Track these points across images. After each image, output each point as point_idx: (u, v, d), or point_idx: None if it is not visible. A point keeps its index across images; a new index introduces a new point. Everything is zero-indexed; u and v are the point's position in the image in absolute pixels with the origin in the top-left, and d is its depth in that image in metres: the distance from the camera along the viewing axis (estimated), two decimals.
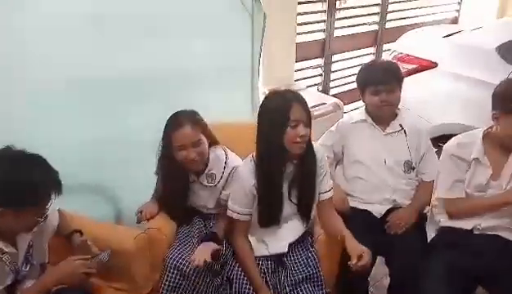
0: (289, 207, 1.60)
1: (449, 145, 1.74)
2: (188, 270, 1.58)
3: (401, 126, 1.88)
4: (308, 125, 1.51)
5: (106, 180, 2.05)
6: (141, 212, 1.76)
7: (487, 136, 1.67)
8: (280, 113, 1.49)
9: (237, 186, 1.62)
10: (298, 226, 1.66)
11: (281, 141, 1.49)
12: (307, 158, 1.56)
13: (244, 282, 1.57)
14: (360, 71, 1.98)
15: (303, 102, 1.51)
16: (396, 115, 1.89)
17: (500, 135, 1.63)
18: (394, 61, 2.63)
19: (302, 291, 1.55)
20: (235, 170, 1.69)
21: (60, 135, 1.84)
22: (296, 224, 1.65)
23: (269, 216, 1.60)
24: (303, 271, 1.59)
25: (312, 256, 1.63)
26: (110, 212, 2.12)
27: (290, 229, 1.65)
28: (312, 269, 1.59)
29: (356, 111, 2.08)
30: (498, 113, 1.60)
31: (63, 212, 1.59)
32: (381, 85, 1.81)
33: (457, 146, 1.71)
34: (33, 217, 1.32)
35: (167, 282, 1.59)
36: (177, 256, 1.62)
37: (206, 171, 1.73)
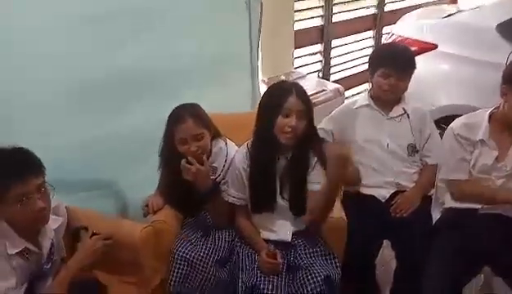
0: (281, 203, 1.60)
1: (455, 125, 1.73)
2: (196, 261, 1.59)
3: (404, 109, 1.87)
4: (303, 118, 1.50)
5: (111, 175, 2.06)
6: (147, 206, 1.77)
7: (493, 117, 1.66)
8: (275, 100, 1.51)
9: (231, 171, 1.66)
10: (298, 218, 1.64)
11: (272, 129, 1.50)
12: (300, 153, 1.56)
13: (250, 262, 1.58)
14: (376, 50, 1.97)
15: (301, 95, 1.52)
16: (400, 100, 1.89)
17: (507, 114, 1.61)
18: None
19: (315, 263, 1.54)
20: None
21: (62, 132, 1.85)
22: (295, 216, 1.64)
23: (259, 203, 1.61)
24: (313, 250, 1.60)
25: (318, 239, 1.64)
26: (115, 207, 2.13)
27: (292, 221, 1.64)
28: (320, 248, 1.60)
29: (359, 96, 2.07)
30: (507, 88, 1.58)
31: (69, 208, 1.61)
32: (393, 68, 1.80)
33: (463, 126, 1.71)
34: (27, 196, 1.29)
35: (175, 274, 1.60)
36: (184, 247, 1.63)
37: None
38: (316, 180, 1.57)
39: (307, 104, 1.52)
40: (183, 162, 1.60)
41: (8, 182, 1.26)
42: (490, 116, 1.67)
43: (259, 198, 1.61)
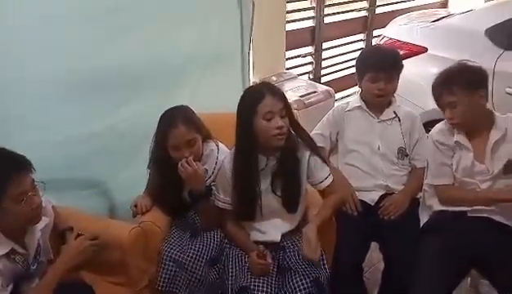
0: (274, 201, 1.60)
1: (433, 131, 1.76)
2: (185, 261, 1.59)
3: (395, 113, 1.88)
4: (286, 116, 1.50)
5: (99, 174, 2.04)
6: (135, 206, 1.76)
7: None
8: (249, 106, 1.50)
9: (220, 175, 1.65)
10: (289, 217, 1.65)
11: (252, 135, 1.49)
12: (289, 149, 1.55)
13: (240, 263, 1.58)
14: (361, 54, 1.96)
15: (277, 93, 1.50)
16: (390, 102, 1.90)
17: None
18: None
19: (304, 265, 1.54)
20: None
21: (50, 131, 1.82)
22: (287, 215, 1.64)
23: (242, 211, 1.61)
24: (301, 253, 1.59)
25: None
26: (103, 207, 2.11)
27: (282, 221, 1.65)
28: None
29: (351, 98, 2.08)
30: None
31: (56, 209, 1.59)
32: (381, 72, 1.80)
33: (439, 132, 1.73)
34: (24, 192, 1.29)
35: (163, 275, 1.59)
36: (172, 248, 1.63)
37: None
38: (313, 172, 1.62)
39: (283, 100, 1.51)
40: (183, 161, 1.58)
41: (5, 183, 1.25)
42: None
43: (242, 207, 1.60)
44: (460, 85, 1.62)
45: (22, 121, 1.75)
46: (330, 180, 1.67)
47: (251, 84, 2.64)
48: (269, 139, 1.49)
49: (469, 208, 1.66)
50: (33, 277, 1.42)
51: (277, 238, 1.62)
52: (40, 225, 1.44)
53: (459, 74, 1.66)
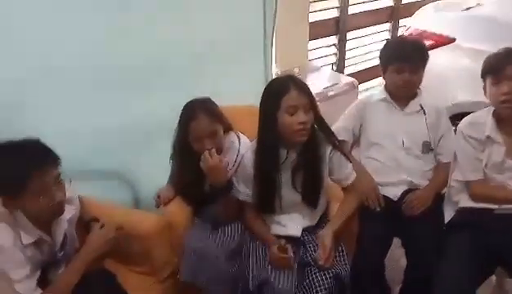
0: (293, 195, 1.58)
1: (462, 125, 1.71)
2: (206, 253, 1.60)
3: (420, 106, 1.84)
4: (309, 111, 1.47)
5: (123, 165, 2.07)
6: (158, 197, 1.78)
7: (496, 113, 1.63)
8: (272, 99, 1.47)
9: (241, 167, 1.64)
10: (309, 213, 1.64)
11: (274, 129, 1.47)
12: (311, 144, 1.53)
13: (261, 256, 1.58)
14: (385, 45, 1.92)
15: (302, 87, 1.47)
16: (416, 94, 1.85)
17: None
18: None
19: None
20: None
21: (74, 123, 1.86)
22: (307, 210, 1.63)
23: (263, 203, 1.60)
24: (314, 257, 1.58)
25: None
26: (127, 197, 2.15)
27: (303, 216, 1.64)
28: None
29: (375, 89, 2.04)
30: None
31: (82, 199, 1.62)
32: (406, 63, 1.76)
33: (469, 126, 1.68)
34: (46, 187, 1.31)
35: (186, 265, 1.61)
36: (195, 239, 1.64)
37: None
38: (335, 169, 1.61)
39: (308, 95, 1.48)
40: (206, 153, 1.58)
41: (28, 174, 1.27)
42: (494, 112, 1.64)
43: (263, 199, 1.60)
44: None
45: (50, 111, 1.79)
46: (352, 177, 1.65)
47: (273, 75, 2.62)
48: (292, 133, 1.47)
49: (497, 206, 1.62)
50: (59, 264, 1.46)
51: (298, 233, 1.62)
52: (67, 216, 1.47)
53: None
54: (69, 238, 1.50)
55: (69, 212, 1.50)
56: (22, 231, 1.34)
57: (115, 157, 2.01)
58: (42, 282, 1.38)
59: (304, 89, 1.48)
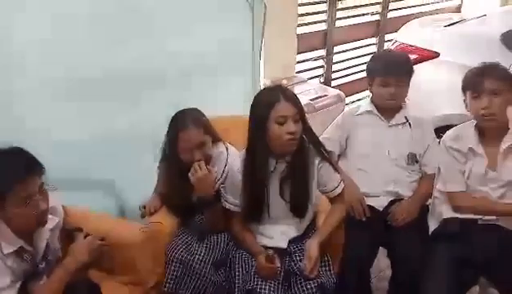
0: (281, 205, 1.59)
1: (446, 137, 1.74)
2: (192, 263, 1.59)
3: (406, 118, 1.87)
4: (299, 121, 1.49)
5: (108, 175, 2.06)
6: (144, 207, 1.77)
7: (478, 125, 1.67)
8: (262, 109, 1.48)
9: (229, 177, 1.64)
10: (297, 223, 1.65)
11: (264, 138, 1.48)
12: (300, 154, 1.54)
13: (247, 266, 1.58)
14: (372, 59, 1.95)
15: (290, 98, 1.49)
16: (401, 107, 1.89)
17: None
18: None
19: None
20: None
21: (60, 133, 1.85)
22: (294, 220, 1.64)
23: (251, 212, 1.60)
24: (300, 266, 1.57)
25: None
26: (112, 207, 2.13)
27: (289, 226, 1.64)
28: None
29: (362, 101, 2.07)
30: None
31: (66, 209, 1.60)
32: (392, 76, 1.79)
33: (452, 138, 1.72)
34: (29, 197, 1.29)
35: (171, 276, 1.60)
36: (180, 250, 1.63)
37: None
38: (324, 180, 1.61)
39: (298, 105, 1.50)
40: (195, 164, 1.58)
41: (11, 183, 1.25)
42: (476, 124, 1.68)
43: (251, 208, 1.60)
44: (509, 75, 1.60)
45: (36, 121, 1.78)
46: (340, 188, 1.65)
47: (261, 87, 2.64)
48: (281, 143, 1.48)
49: (480, 216, 1.64)
50: (41, 275, 1.43)
51: (284, 244, 1.62)
52: (49, 225, 1.45)
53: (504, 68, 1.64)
54: (52, 247, 1.48)
55: (52, 222, 1.48)
56: (2, 240, 1.31)
57: (101, 166, 1.99)
58: None
59: (294, 99, 1.50)
